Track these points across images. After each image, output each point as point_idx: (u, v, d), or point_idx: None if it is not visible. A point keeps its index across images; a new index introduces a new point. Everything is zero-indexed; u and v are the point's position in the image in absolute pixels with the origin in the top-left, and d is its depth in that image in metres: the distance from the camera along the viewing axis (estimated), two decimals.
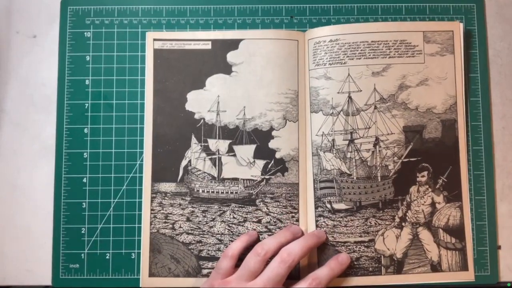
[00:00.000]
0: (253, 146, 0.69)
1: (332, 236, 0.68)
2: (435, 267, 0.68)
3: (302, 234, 0.67)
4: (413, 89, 0.70)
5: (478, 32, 0.73)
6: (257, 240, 0.68)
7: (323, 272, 0.63)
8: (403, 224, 0.69)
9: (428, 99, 0.70)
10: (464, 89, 0.71)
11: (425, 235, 0.69)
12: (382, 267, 0.68)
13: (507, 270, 0.70)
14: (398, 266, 0.68)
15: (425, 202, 0.69)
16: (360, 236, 0.68)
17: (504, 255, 0.70)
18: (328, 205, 0.68)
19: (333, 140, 0.69)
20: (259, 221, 0.69)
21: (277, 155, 0.69)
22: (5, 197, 0.72)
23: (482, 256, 0.69)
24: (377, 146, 0.69)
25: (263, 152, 0.70)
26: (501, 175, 0.71)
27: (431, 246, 0.69)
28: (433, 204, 0.69)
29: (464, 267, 0.69)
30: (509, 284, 0.69)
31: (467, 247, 0.69)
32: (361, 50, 0.70)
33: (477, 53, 0.72)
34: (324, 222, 0.68)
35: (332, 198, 0.69)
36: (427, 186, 0.69)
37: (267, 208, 0.69)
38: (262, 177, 0.69)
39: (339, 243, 0.68)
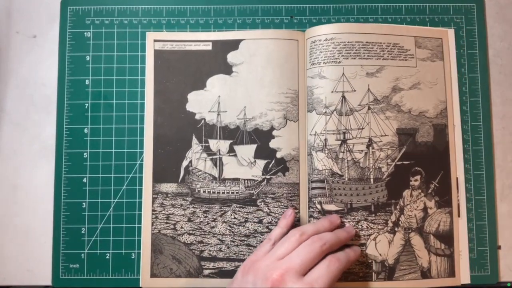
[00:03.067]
0: (253, 146, 0.69)
1: None
2: (425, 274, 0.68)
3: (341, 222, 0.67)
4: (406, 92, 0.70)
5: (478, 32, 0.73)
6: (295, 218, 0.67)
7: (328, 234, 0.62)
8: (396, 229, 0.68)
9: (421, 103, 0.70)
10: (459, 94, 0.71)
11: (416, 241, 0.68)
12: (373, 273, 0.67)
13: (507, 270, 0.70)
14: (389, 272, 0.68)
15: (417, 207, 0.69)
16: (351, 240, 0.67)
17: (504, 255, 0.70)
18: (318, 206, 0.68)
19: (326, 139, 0.68)
20: (260, 222, 0.69)
21: (278, 155, 0.69)
22: (5, 197, 0.72)
23: (482, 256, 0.69)
24: (370, 148, 0.69)
25: (264, 152, 0.70)
26: (501, 175, 0.71)
27: (422, 252, 0.68)
28: (425, 209, 0.69)
29: (451, 273, 0.68)
30: (509, 284, 0.69)
31: (455, 253, 0.68)
32: (356, 50, 0.70)
33: (477, 53, 0.73)
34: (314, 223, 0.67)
35: (322, 198, 0.68)
36: (420, 191, 0.69)
37: (268, 208, 0.69)
38: (263, 177, 0.69)
39: None
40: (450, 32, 0.72)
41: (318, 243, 0.59)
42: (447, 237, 0.68)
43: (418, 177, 0.69)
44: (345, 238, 0.64)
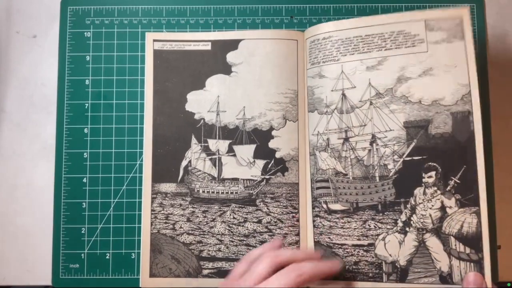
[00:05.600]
0: (253, 146, 0.69)
1: (329, 237, 0.66)
2: (445, 279, 0.63)
3: (321, 258, 0.63)
4: (414, 81, 0.65)
5: (478, 32, 0.73)
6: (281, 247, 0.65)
7: (307, 265, 0.59)
8: (407, 229, 0.65)
9: (434, 90, 0.65)
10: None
11: (433, 243, 0.63)
12: (384, 274, 0.65)
13: (507, 270, 0.70)
14: (401, 274, 0.64)
15: (433, 205, 0.64)
16: (359, 239, 0.65)
17: (504, 255, 0.70)
18: (324, 205, 0.67)
19: (328, 139, 0.67)
20: (259, 221, 0.69)
21: (277, 155, 0.69)
22: (5, 197, 0.72)
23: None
24: (374, 144, 0.66)
25: (263, 152, 0.69)
26: (501, 175, 0.71)
27: (440, 255, 0.63)
28: (443, 208, 0.64)
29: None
30: (509, 284, 0.69)
31: (484, 260, 0.61)
32: (354, 45, 0.67)
33: (477, 53, 0.72)
34: (321, 222, 0.67)
35: (328, 198, 0.67)
36: (436, 188, 0.64)
37: (267, 208, 0.69)
38: (262, 177, 0.69)
39: (336, 245, 0.66)
40: (468, 10, 0.66)
41: (294, 273, 0.57)
42: (473, 240, 0.62)
43: (432, 173, 0.64)
44: (326, 271, 0.60)
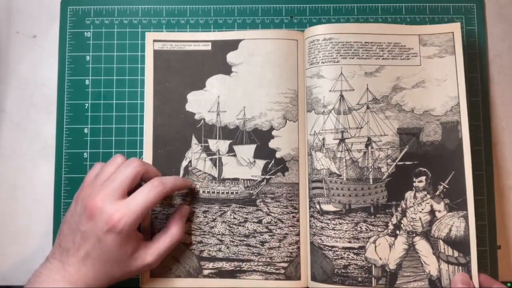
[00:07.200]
0: (253, 146, 0.69)
1: (320, 239, 0.66)
2: (434, 283, 0.64)
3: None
4: (408, 91, 0.68)
5: (478, 32, 0.73)
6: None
7: (168, 178, 0.63)
8: (398, 232, 0.65)
9: (426, 101, 0.67)
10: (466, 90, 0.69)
11: (422, 246, 0.65)
12: (373, 278, 0.65)
13: (507, 270, 0.70)
14: (390, 278, 0.64)
15: (423, 209, 0.65)
16: (349, 242, 0.65)
17: (504, 255, 0.70)
18: (317, 206, 0.67)
19: (323, 139, 0.68)
20: (259, 221, 0.69)
21: (278, 155, 0.69)
22: (5, 197, 0.72)
23: (482, 256, 0.69)
24: (369, 147, 0.67)
25: (264, 152, 0.69)
26: (501, 175, 0.71)
27: (429, 258, 0.64)
28: (432, 212, 0.65)
29: None
30: (509, 284, 0.69)
31: (471, 263, 0.63)
32: (355, 50, 0.68)
33: (477, 53, 0.72)
34: (314, 223, 0.67)
35: (321, 198, 0.67)
36: (426, 192, 0.66)
37: (267, 208, 0.69)
38: (263, 177, 0.69)
39: (327, 247, 0.66)
40: (459, 26, 0.69)
41: (159, 186, 0.60)
42: (461, 244, 0.64)
43: (423, 178, 0.66)
44: (183, 184, 0.66)
